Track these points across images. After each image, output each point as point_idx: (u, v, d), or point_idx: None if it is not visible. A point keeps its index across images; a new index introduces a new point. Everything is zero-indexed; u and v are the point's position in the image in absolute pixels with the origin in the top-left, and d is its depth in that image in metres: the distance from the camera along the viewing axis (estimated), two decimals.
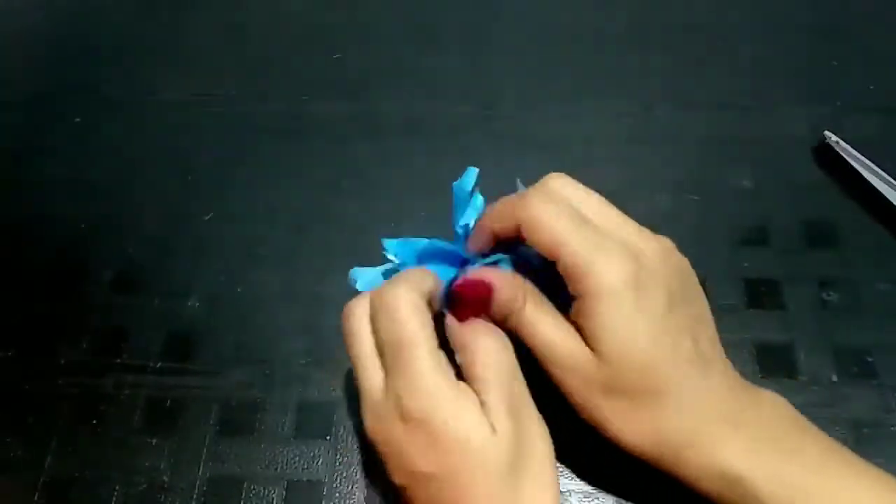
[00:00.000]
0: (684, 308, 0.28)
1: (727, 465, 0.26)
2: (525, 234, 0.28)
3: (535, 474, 0.27)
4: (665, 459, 0.27)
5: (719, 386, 0.28)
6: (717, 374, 0.28)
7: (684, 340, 0.27)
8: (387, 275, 0.32)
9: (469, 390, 0.27)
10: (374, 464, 0.29)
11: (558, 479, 0.28)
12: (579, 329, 0.28)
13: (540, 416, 0.28)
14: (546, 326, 0.28)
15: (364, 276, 0.32)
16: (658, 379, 0.27)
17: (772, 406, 0.28)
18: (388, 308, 0.27)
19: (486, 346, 0.28)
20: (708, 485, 0.27)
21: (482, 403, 0.27)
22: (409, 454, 0.26)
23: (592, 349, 0.27)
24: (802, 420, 0.28)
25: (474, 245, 0.31)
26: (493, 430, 0.26)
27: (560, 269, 0.27)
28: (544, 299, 0.29)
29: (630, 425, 0.27)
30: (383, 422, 0.27)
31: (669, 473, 0.28)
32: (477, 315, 0.29)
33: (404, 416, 0.26)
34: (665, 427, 0.27)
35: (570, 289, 0.28)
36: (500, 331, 0.29)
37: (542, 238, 0.27)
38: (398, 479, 0.27)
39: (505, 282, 0.29)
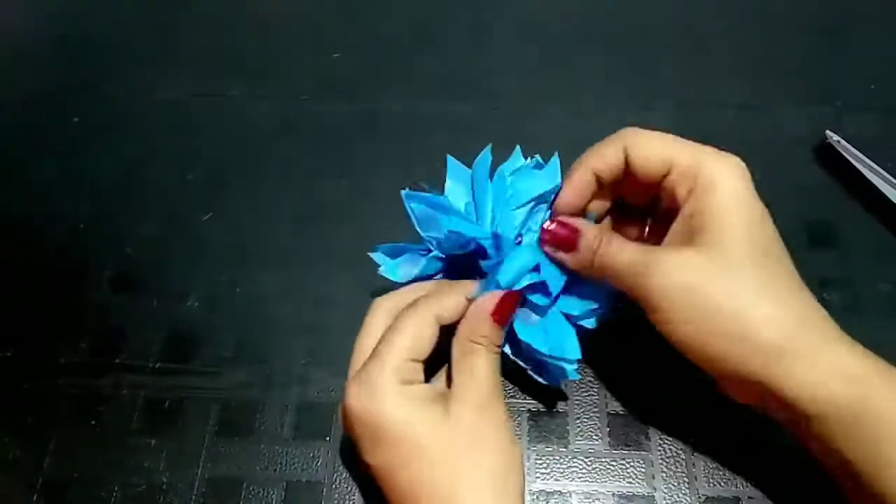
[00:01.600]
0: (779, 245, 0.29)
1: (851, 372, 0.25)
2: (633, 154, 0.29)
3: (492, 459, 0.27)
4: (768, 368, 0.25)
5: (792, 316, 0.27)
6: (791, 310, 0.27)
7: (783, 271, 0.28)
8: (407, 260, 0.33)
9: (421, 390, 0.28)
10: None
11: (520, 470, 0.28)
12: (686, 229, 0.28)
13: (508, 416, 0.29)
14: (635, 248, 0.29)
15: (385, 262, 0.34)
16: (776, 275, 0.27)
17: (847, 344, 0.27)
18: (403, 315, 0.29)
19: (473, 360, 0.29)
20: (812, 394, 0.25)
21: (456, 389, 0.28)
22: (360, 447, 0.28)
23: (697, 246, 0.27)
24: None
25: (572, 196, 0.32)
26: (446, 415, 0.27)
27: (671, 179, 0.29)
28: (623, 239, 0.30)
29: (753, 312, 0.26)
30: (345, 416, 0.29)
31: (763, 390, 0.26)
32: (566, 251, 0.31)
33: (348, 412, 0.28)
34: (786, 317, 0.26)
35: (680, 198, 0.29)
36: (494, 351, 0.29)
37: (654, 149, 0.29)
38: (363, 467, 0.29)
39: (588, 228, 0.31)
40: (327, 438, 0.34)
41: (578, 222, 0.31)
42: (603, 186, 0.32)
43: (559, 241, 0.31)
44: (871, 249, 0.39)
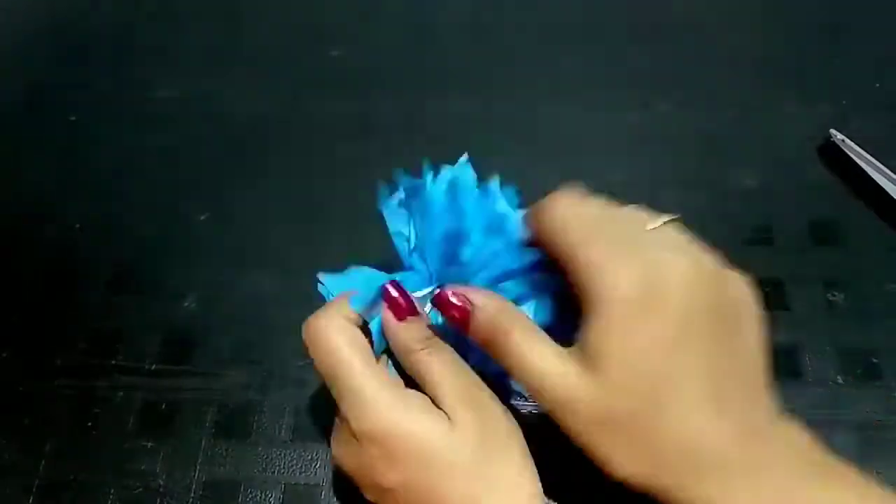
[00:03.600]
0: (710, 344, 0.24)
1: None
2: (542, 238, 0.26)
3: (504, 453, 0.26)
4: (652, 492, 0.24)
5: (728, 430, 0.24)
6: (730, 418, 0.24)
7: (694, 376, 0.24)
8: (352, 279, 0.31)
9: (414, 393, 0.27)
10: None
11: (528, 453, 0.27)
12: (581, 350, 0.25)
13: (497, 399, 0.28)
14: (536, 355, 0.25)
15: (330, 283, 0.31)
16: (655, 411, 0.24)
17: (786, 453, 0.24)
18: (316, 341, 0.27)
19: (429, 369, 0.27)
20: None
21: (437, 400, 0.27)
22: (372, 472, 0.26)
23: (591, 370, 0.24)
24: (822, 465, 0.24)
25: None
26: (452, 423, 0.26)
27: (570, 277, 0.25)
28: (537, 328, 0.26)
29: (626, 462, 0.24)
30: (343, 446, 0.27)
31: None
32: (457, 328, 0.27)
33: (358, 438, 0.26)
34: (659, 464, 0.24)
35: (580, 300, 0.25)
36: (439, 347, 0.28)
37: (556, 248, 0.25)
38: (371, 496, 0.27)
39: (489, 303, 0.26)
40: (325, 441, 0.34)
41: (475, 294, 0.27)
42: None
43: (445, 316, 0.27)
44: (876, 248, 0.39)
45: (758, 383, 0.25)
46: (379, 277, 0.30)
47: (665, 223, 0.26)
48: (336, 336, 0.27)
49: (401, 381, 0.28)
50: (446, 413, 0.26)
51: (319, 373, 0.28)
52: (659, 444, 0.24)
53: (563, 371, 0.24)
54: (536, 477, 0.27)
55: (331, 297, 0.30)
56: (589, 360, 0.24)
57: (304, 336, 0.28)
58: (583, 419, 0.24)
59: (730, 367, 0.24)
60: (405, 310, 0.28)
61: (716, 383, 0.24)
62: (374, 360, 0.27)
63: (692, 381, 0.24)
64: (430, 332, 0.28)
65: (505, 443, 0.27)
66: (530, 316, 0.28)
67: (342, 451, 0.28)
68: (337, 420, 0.28)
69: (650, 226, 0.26)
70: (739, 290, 0.25)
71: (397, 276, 0.30)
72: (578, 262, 0.24)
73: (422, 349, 0.28)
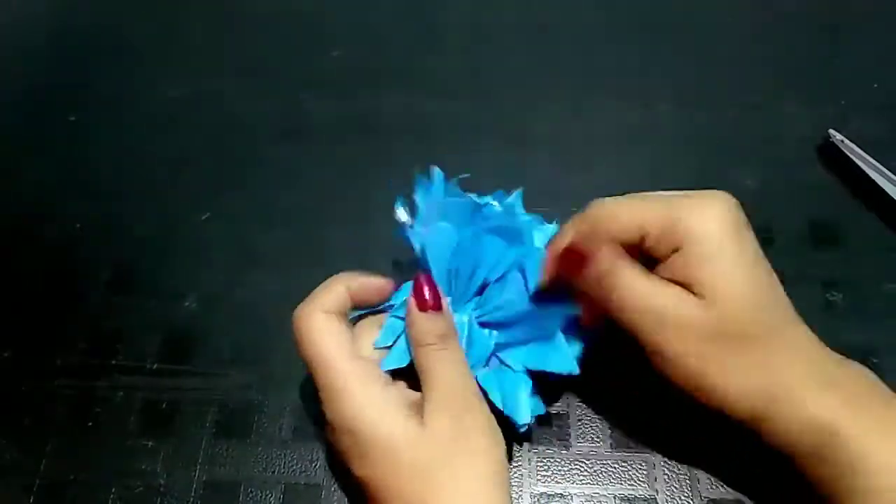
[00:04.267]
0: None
1: (822, 418, 0.25)
2: (602, 230, 0.28)
3: (470, 464, 0.27)
4: (756, 413, 0.27)
5: (812, 341, 0.27)
6: (806, 329, 0.27)
7: (779, 286, 0.27)
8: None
9: (393, 389, 0.28)
10: None
11: (501, 469, 0.28)
12: (685, 279, 0.27)
13: (491, 416, 0.28)
14: (643, 284, 0.27)
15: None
16: (766, 322, 0.26)
17: (860, 371, 0.27)
18: (299, 333, 0.29)
19: (434, 366, 0.28)
20: (798, 438, 0.26)
21: (425, 397, 0.28)
22: (347, 460, 0.28)
23: (700, 296, 0.26)
24: (887, 389, 0.27)
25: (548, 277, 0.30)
26: (424, 425, 0.27)
27: (648, 246, 0.28)
28: (636, 263, 0.28)
29: (730, 377, 0.26)
30: (328, 432, 0.29)
31: (756, 430, 0.27)
32: (569, 276, 0.29)
33: (334, 429, 0.28)
34: (764, 375, 0.26)
35: (663, 251, 0.27)
36: (452, 349, 0.29)
37: (622, 222, 0.28)
38: (352, 480, 0.28)
39: (602, 253, 0.28)
40: (325, 441, 0.34)
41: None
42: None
43: (566, 269, 0.29)
44: (875, 249, 0.39)
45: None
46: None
47: None
48: (315, 328, 0.28)
49: (381, 377, 0.28)
50: (424, 413, 0.27)
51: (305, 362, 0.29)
52: (763, 353, 0.26)
53: (672, 294, 0.27)
54: (502, 495, 0.27)
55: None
56: (695, 285, 0.26)
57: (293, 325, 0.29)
58: (695, 340, 0.26)
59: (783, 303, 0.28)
60: (428, 302, 0.29)
61: (786, 318, 0.27)
62: (352, 353, 0.28)
63: (780, 291, 0.27)
64: (447, 332, 0.29)
65: (474, 453, 0.27)
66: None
67: (329, 436, 0.29)
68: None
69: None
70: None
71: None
72: (652, 222, 0.27)
73: (431, 344, 0.28)
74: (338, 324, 0.29)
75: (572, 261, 0.28)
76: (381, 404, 0.27)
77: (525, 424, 0.30)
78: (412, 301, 0.29)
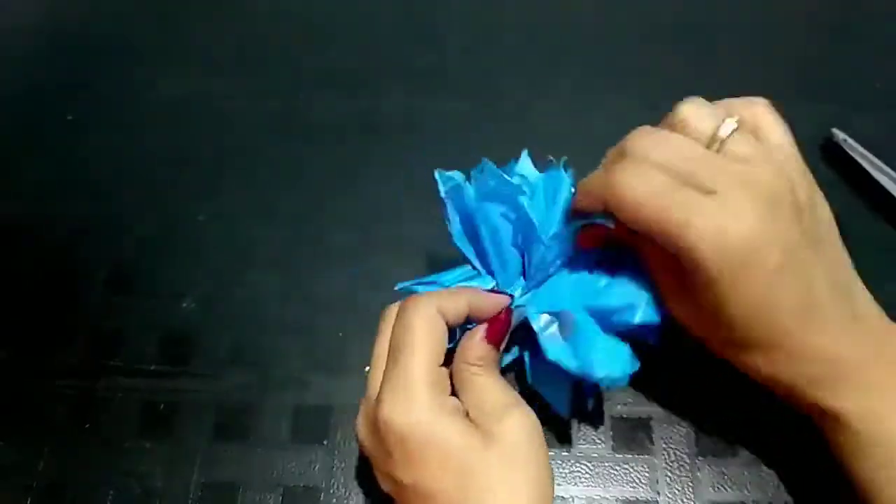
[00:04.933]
0: (805, 245, 0.26)
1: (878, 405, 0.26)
2: (615, 213, 0.26)
3: (527, 487, 0.26)
4: (839, 375, 0.26)
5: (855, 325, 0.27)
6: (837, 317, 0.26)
7: (800, 287, 0.25)
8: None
9: (455, 404, 0.27)
10: (370, 470, 0.28)
11: (551, 488, 0.27)
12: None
13: (527, 410, 0.28)
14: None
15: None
16: (779, 333, 0.26)
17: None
18: (404, 314, 0.28)
19: (475, 381, 0.28)
20: (881, 399, 0.26)
21: (474, 410, 0.27)
22: (389, 463, 0.26)
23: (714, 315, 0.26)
24: None
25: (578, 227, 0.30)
26: (483, 435, 0.26)
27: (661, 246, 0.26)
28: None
29: (767, 368, 0.27)
30: (371, 428, 0.27)
31: (829, 404, 0.26)
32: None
33: (388, 426, 0.26)
34: (855, 329, 0.26)
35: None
36: (494, 369, 0.29)
37: (630, 217, 0.25)
38: (385, 486, 0.28)
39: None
40: (325, 443, 0.34)
41: None
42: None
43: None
44: (878, 248, 0.38)
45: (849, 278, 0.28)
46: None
47: None
48: (422, 320, 0.27)
49: (448, 387, 0.28)
50: (485, 426, 0.26)
51: (392, 342, 0.28)
52: (790, 356, 0.26)
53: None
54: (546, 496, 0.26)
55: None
56: (710, 308, 0.26)
57: (393, 308, 0.29)
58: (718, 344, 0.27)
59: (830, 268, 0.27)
60: (497, 337, 0.29)
61: (812, 291, 0.26)
62: (440, 358, 0.27)
63: (798, 296, 0.26)
64: (491, 355, 0.29)
65: (525, 460, 0.26)
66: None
67: (366, 431, 0.28)
68: (368, 399, 0.28)
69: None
70: (799, 170, 0.29)
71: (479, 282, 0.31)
72: (660, 239, 0.25)
73: (477, 366, 0.28)
74: (443, 328, 0.28)
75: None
76: (441, 415, 0.26)
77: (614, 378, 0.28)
78: (484, 328, 0.28)
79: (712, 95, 0.45)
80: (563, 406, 0.32)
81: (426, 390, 0.26)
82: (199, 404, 0.35)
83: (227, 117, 0.45)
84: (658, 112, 0.44)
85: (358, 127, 0.45)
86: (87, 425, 0.35)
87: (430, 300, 0.28)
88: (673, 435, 0.34)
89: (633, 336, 0.29)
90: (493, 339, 0.28)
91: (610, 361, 0.28)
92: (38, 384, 0.36)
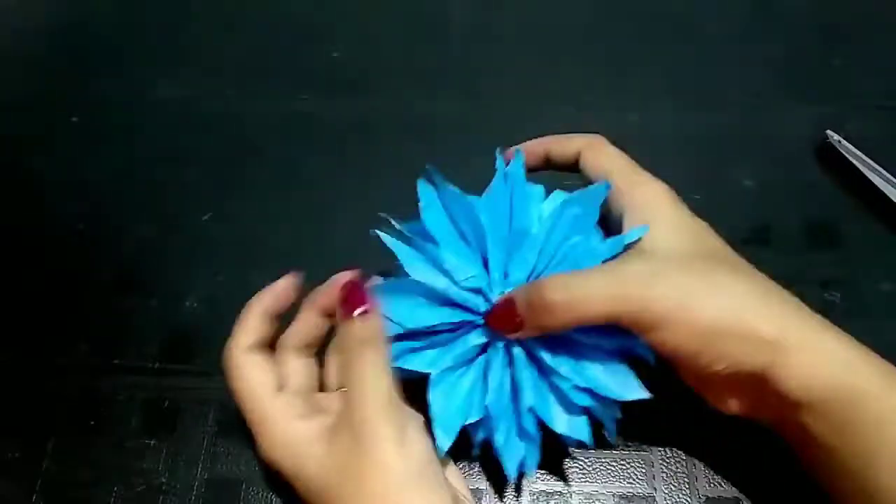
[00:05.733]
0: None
1: (850, 356, 0.25)
2: (587, 155, 0.31)
3: (374, 481, 0.25)
4: (781, 353, 0.25)
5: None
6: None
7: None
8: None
9: (312, 422, 0.28)
10: None
11: (414, 484, 0.25)
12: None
13: (409, 424, 0.26)
14: (597, 275, 0.28)
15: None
16: (749, 267, 0.29)
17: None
18: (225, 371, 0.30)
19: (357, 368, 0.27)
20: (822, 377, 0.25)
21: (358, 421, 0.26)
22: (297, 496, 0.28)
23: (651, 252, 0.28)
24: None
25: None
26: (329, 450, 0.26)
27: (620, 207, 0.30)
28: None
29: (749, 312, 0.26)
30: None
31: (769, 375, 0.26)
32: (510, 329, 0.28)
33: (271, 466, 0.28)
34: (780, 313, 0.27)
35: (616, 209, 0.30)
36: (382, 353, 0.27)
37: (600, 160, 0.31)
38: None
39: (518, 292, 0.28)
40: None
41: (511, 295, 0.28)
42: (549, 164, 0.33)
43: (499, 320, 0.28)
44: (873, 249, 0.39)
45: None
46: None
47: None
48: (234, 366, 0.29)
49: (300, 409, 0.28)
50: (334, 430, 0.27)
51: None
52: (741, 323, 0.26)
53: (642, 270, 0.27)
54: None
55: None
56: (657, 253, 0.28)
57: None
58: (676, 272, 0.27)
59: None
60: (353, 308, 0.28)
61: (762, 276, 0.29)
62: (273, 389, 0.29)
63: (753, 271, 0.29)
64: (370, 336, 0.27)
65: (375, 466, 0.25)
66: None
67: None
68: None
69: None
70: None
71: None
72: (618, 178, 0.31)
73: (351, 350, 0.27)
74: (258, 359, 0.30)
75: (499, 315, 0.29)
76: (293, 439, 0.27)
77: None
78: (339, 309, 0.28)
79: (711, 96, 0.45)
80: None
81: (291, 423, 0.28)
82: (202, 402, 0.35)
83: (229, 118, 0.46)
84: (654, 112, 0.45)
85: (358, 127, 0.45)
86: (90, 424, 0.35)
87: (229, 346, 0.30)
88: (669, 431, 0.34)
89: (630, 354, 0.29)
90: (348, 312, 0.27)
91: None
92: (43, 383, 0.36)
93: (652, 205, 0.29)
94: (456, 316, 0.29)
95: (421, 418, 0.28)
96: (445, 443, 0.28)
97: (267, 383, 0.29)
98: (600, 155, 0.31)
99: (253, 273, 0.39)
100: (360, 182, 0.43)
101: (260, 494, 0.33)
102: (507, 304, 0.28)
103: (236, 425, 0.34)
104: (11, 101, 0.48)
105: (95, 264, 0.40)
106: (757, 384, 0.26)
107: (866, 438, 0.24)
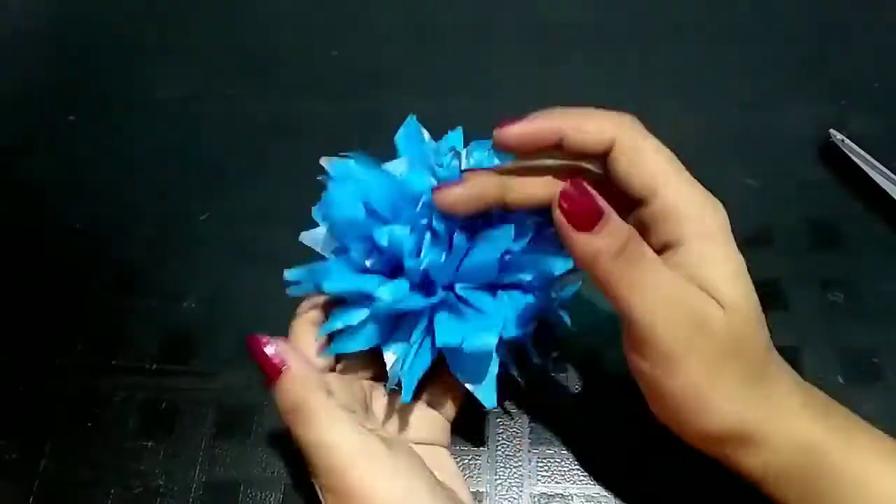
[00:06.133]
0: None
1: (807, 435, 0.24)
2: (623, 156, 0.25)
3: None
4: (744, 437, 0.24)
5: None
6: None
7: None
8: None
9: (375, 439, 0.25)
10: None
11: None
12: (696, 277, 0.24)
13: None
14: (669, 277, 0.23)
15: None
16: (763, 335, 0.25)
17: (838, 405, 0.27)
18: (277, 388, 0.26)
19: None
20: (788, 460, 0.24)
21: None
22: None
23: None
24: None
25: (527, 132, 0.27)
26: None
27: (654, 208, 0.24)
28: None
29: (731, 392, 0.24)
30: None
31: (733, 460, 0.25)
32: (581, 227, 0.23)
33: (317, 479, 0.25)
34: (759, 392, 0.24)
35: (661, 234, 0.25)
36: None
37: (644, 168, 0.24)
38: None
39: (613, 215, 0.23)
40: None
41: (601, 201, 0.23)
42: (557, 149, 0.26)
43: (576, 214, 0.23)
44: (875, 249, 0.39)
45: None
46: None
47: None
48: (295, 382, 0.26)
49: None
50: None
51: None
52: (762, 368, 0.25)
53: (703, 297, 0.24)
54: None
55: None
56: (705, 287, 0.24)
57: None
58: (713, 349, 0.23)
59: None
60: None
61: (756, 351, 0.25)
62: (331, 402, 0.26)
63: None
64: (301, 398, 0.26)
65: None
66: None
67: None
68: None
69: None
70: None
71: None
72: (667, 198, 0.24)
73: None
74: (314, 369, 0.27)
75: (581, 214, 0.23)
76: (368, 456, 0.25)
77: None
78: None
79: (711, 96, 0.45)
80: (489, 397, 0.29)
81: (345, 436, 0.25)
82: (201, 403, 0.35)
83: (228, 118, 0.46)
84: (656, 112, 0.44)
85: (358, 127, 0.45)
86: (88, 424, 0.35)
87: (294, 348, 0.27)
88: (669, 432, 0.34)
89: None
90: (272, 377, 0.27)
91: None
92: (40, 383, 0.36)
93: (716, 239, 0.24)
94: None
95: (405, 443, 0.28)
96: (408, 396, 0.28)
97: (317, 389, 0.26)
98: (644, 156, 0.25)
99: (252, 273, 0.39)
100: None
101: (258, 497, 0.33)
102: (584, 194, 0.23)
103: (235, 427, 0.35)
104: (11, 100, 0.48)
105: (95, 264, 0.40)
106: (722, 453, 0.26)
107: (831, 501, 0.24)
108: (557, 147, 0.26)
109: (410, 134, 0.31)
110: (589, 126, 0.26)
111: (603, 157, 0.26)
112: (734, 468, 0.26)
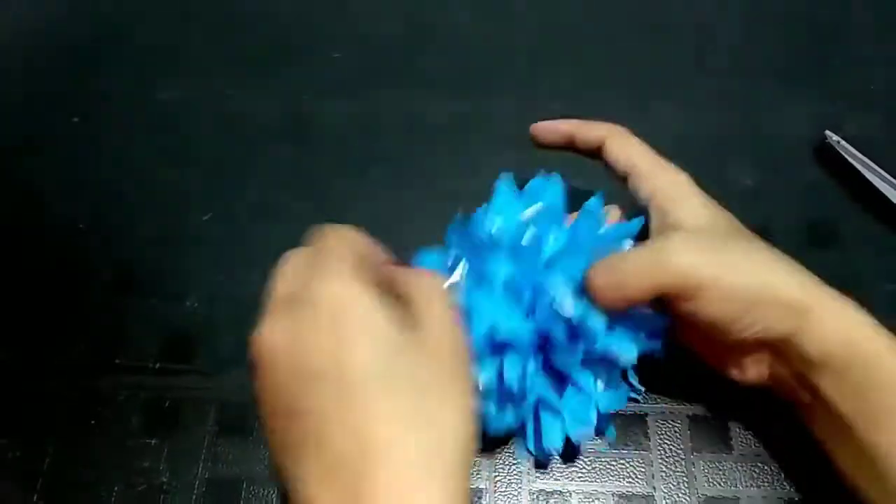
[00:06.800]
0: None
1: (858, 318, 0.27)
2: (612, 143, 0.33)
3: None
4: (806, 315, 0.27)
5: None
6: None
7: None
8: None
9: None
10: None
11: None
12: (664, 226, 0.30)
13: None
14: (639, 251, 0.29)
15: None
16: (756, 239, 0.30)
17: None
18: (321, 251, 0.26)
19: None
20: (832, 350, 0.27)
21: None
22: (303, 353, 0.23)
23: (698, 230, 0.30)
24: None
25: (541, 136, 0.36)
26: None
27: (633, 178, 0.32)
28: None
29: (774, 276, 0.28)
30: (272, 325, 0.24)
31: (794, 339, 0.27)
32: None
33: (308, 302, 0.23)
34: (799, 278, 0.28)
35: (642, 192, 0.31)
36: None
37: (626, 149, 0.33)
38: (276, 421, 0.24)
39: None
40: None
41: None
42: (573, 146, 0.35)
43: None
44: (872, 249, 0.39)
45: None
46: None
47: None
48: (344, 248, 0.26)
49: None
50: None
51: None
52: (767, 289, 0.28)
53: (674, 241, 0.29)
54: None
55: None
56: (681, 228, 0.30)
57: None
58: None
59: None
60: None
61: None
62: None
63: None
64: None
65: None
66: None
67: (278, 325, 0.24)
68: (277, 300, 0.25)
69: None
70: None
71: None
72: (663, 184, 0.32)
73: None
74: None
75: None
76: (376, 297, 0.25)
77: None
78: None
79: (710, 96, 0.45)
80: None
81: (358, 279, 0.24)
82: (203, 401, 0.35)
83: (228, 118, 0.46)
84: (653, 112, 0.45)
85: (358, 127, 0.45)
86: (91, 423, 0.35)
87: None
88: (668, 431, 0.34)
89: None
90: None
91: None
92: (43, 383, 0.36)
93: (679, 187, 0.31)
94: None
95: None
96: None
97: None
98: (625, 144, 0.33)
99: (253, 273, 0.39)
100: (359, 182, 0.43)
101: (260, 493, 0.33)
102: None
103: (237, 425, 0.35)
104: (12, 101, 0.48)
105: (95, 264, 0.40)
106: (779, 350, 0.28)
107: (879, 402, 0.26)
108: (571, 141, 0.35)
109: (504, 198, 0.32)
110: (590, 128, 0.34)
111: (599, 150, 0.34)
112: (790, 365, 0.28)
